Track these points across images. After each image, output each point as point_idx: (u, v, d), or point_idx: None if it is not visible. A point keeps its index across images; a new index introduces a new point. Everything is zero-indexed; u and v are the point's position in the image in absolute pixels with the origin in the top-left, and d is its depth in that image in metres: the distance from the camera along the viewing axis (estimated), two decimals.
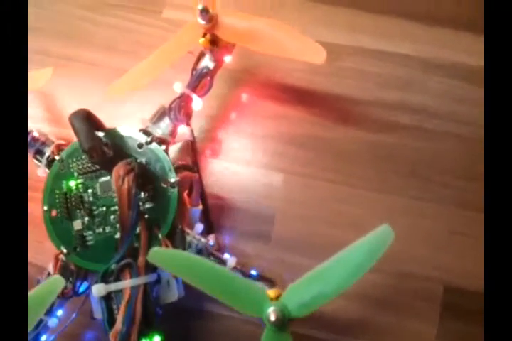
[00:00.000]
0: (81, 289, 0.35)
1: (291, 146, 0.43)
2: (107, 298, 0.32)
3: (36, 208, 0.37)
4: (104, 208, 0.35)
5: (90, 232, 0.35)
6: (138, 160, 0.35)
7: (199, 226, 0.36)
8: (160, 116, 0.38)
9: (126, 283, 0.32)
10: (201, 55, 0.39)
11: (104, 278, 0.33)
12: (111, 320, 0.32)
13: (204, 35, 0.37)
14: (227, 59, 0.40)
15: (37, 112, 0.46)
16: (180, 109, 0.37)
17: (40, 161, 0.38)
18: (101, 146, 0.34)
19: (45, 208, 0.36)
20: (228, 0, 0.47)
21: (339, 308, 0.39)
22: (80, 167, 0.36)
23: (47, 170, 0.38)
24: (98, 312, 0.34)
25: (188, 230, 0.35)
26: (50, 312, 0.34)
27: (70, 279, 0.35)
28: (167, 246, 0.33)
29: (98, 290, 0.32)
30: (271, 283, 0.34)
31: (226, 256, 0.35)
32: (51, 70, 0.41)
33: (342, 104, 0.44)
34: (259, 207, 0.42)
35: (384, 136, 0.43)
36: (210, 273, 0.30)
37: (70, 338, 0.39)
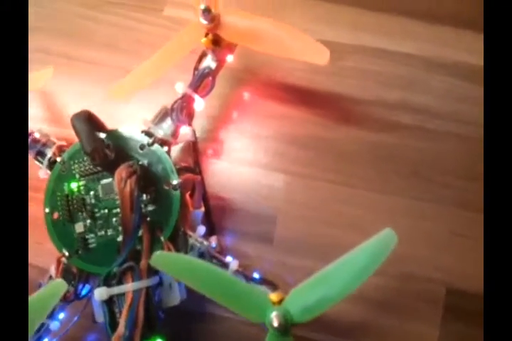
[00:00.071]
0: (83, 292, 0.35)
1: (293, 146, 0.43)
2: (109, 302, 0.32)
3: (37, 209, 0.36)
4: (106, 210, 0.35)
5: (92, 235, 0.35)
6: (140, 162, 0.35)
7: (201, 229, 0.35)
8: (162, 116, 0.37)
9: (129, 287, 0.32)
10: (203, 55, 0.39)
11: (106, 282, 0.32)
12: (113, 324, 0.32)
13: (206, 35, 0.36)
14: (230, 59, 0.40)
15: (37, 112, 0.46)
16: (182, 110, 0.37)
17: (41, 163, 0.38)
18: (103, 148, 0.34)
19: (47, 210, 0.36)
20: None
21: (341, 310, 0.39)
22: (82, 169, 0.36)
23: (48, 172, 0.37)
24: (100, 316, 0.33)
25: (190, 232, 0.35)
26: (51, 315, 0.34)
27: (72, 282, 0.35)
28: (169, 249, 0.33)
29: (100, 294, 0.32)
30: (273, 286, 0.33)
31: (228, 258, 0.35)
32: (51, 70, 0.40)
33: (343, 103, 0.44)
34: (260, 207, 0.42)
35: (385, 136, 0.43)
36: (213, 278, 0.30)
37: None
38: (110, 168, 0.34)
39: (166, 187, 0.35)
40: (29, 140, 0.38)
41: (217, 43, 0.37)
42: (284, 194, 0.42)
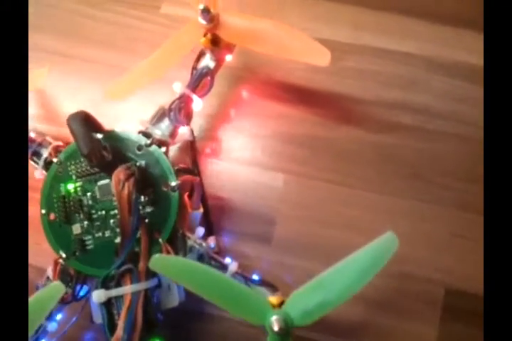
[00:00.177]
0: (81, 293, 0.35)
1: (292, 146, 0.43)
2: (108, 304, 0.32)
3: (34, 209, 0.36)
4: (104, 212, 0.35)
5: (90, 236, 0.35)
6: (138, 163, 0.35)
7: (200, 230, 0.35)
8: (160, 117, 0.37)
9: (127, 289, 0.32)
10: (201, 54, 0.38)
11: (105, 284, 0.32)
12: (111, 326, 0.32)
13: (205, 35, 0.36)
14: (228, 58, 0.39)
15: (32, 110, 0.45)
16: (180, 110, 0.37)
17: (37, 163, 0.37)
18: (100, 150, 0.33)
19: (43, 211, 0.36)
20: None
21: (340, 311, 0.38)
22: (79, 170, 0.36)
23: (44, 172, 0.37)
24: (98, 317, 0.33)
25: (189, 234, 0.34)
26: (49, 316, 0.34)
27: (70, 284, 0.34)
28: (168, 251, 0.33)
29: (98, 296, 0.32)
30: (273, 288, 0.33)
31: (227, 260, 0.34)
32: (46, 70, 0.40)
33: (343, 103, 0.44)
34: (259, 207, 0.41)
35: (385, 136, 0.42)
36: (212, 281, 0.30)
37: None
38: (107, 170, 0.34)
39: (165, 189, 0.34)
40: None
41: (216, 43, 0.36)
42: (283, 194, 0.42)
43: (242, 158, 0.43)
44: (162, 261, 0.30)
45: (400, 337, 0.38)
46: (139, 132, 0.36)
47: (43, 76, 0.40)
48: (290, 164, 0.42)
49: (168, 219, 0.34)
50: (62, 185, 0.36)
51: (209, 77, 0.38)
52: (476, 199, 0.40)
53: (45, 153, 0.37)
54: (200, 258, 0.34)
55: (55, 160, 0.36)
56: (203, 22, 0.35)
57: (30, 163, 0.38)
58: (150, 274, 0.32)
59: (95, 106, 0.43)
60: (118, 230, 0.34)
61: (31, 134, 0.38)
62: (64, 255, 0.34)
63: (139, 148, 0.35)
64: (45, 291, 0.31)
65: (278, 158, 0.42)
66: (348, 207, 0.41)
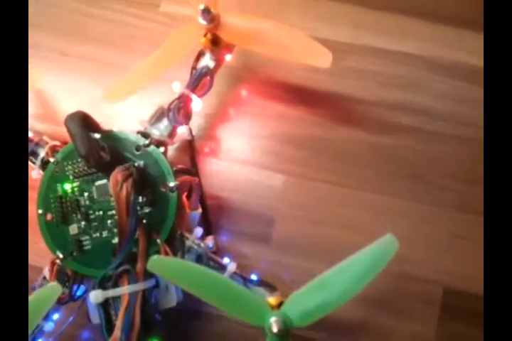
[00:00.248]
0: (78, 293, 0.35)
1: (291, 146, 0.42)
2: (105, 304, 0.32)
3: (30, 209, 0.36)
4: (101, 212, 0.35)
5: (87, 237, 0.34)
6: (136, 164, 0.34)
7: (198, 230, 0.35)
8: (158, 117, 0.37)
9: (125, 290, 0.31)
10: (201, 54, 0.38)
11: (102, 284, 0.32)
12: (109, 327, 0.32)
13: (205, 35, 0.36)
14: (228, 58, 0.39)
15: (30, 109, 0.44)
16: (179, 110, 0.36)
17: (34, 163, 0.37)
18: (98, 150, 0.33)
19: (40, 212, 0.35)
20: None
21: (338, 310, 0.37)
22: (76, 170, 0.35)
23: (41, 172, 0.37)
24: (95, 317, 0.33)
25: (187, 235, 0.34)
26: (46, 316, 0.34)
27: (67, 284, 0.34)
28: (166, 251, 0.33)
29: (96, 296, 0.31)
30: (271, 288, 0.33)
31: (226, 260, 0.34)
32: (41, 72, 0.39)
33: (343, 103, 0.43)
34: (257, 207, 0.41)
35: (385, 137, 0.42)
36: (210, 282, 0.30)
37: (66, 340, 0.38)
38: (105, 170, 0.33)
39: (163, 189, 0.34)
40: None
41: (216, 43, 0.36)
42: (282, 194, 0.41)
43: (241, 158, 0.42)
44: (160, 263, 0.30)
45: (398, 337, 0.38)
46: (138, 132, 0.36)
47: (39, 76, 0.39)
48: (289, 164, 0.42)
49: (166, 220, 0.34)
50: (59, 185, 0.35)
51: (208, 77, 0.37)
52: (476, 201, 0.40)
53: (42, 153, 0.37)
54: (199, 258, 0.33)
55: (52, 160, 0.36)
56: (204, 22, 0.34)
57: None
58: (148, 275, 0.32)
59: (93, 104, 0.43)
60: (115, 230, 0.34)
61: (29, 133, 0.38)
62: (61, 255, 0.34)
63: (138, 148, 0.35)
64: (42, 292, 0.31)
65: (277, 158, 0.42)
66: (346, 208, 0.41)
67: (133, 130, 0.36)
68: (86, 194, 0.35)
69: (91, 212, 0.35)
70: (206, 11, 0.33)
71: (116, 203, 0.31)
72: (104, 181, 0.35)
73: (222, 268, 0.33)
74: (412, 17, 0.45)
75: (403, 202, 0.41)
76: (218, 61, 0.37)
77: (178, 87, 0.36)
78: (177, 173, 0.35)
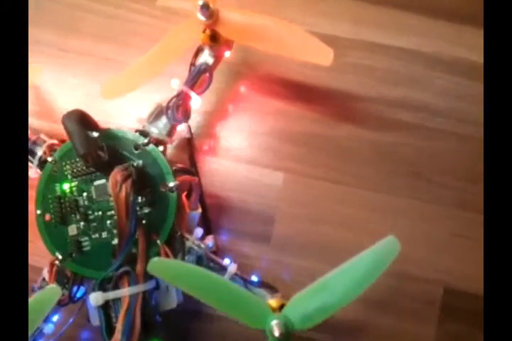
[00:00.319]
0: (78, 294, 0.34)
1: (291, 144, 0.42)
2: (105, 306, 0.32)
3: (29, 208, 0.35)
4: (100, 212, 0.34)
5: (86, 238, 0.34)
6: (135, 163, 0.34)
7: (199, 231, 0.35)
8: (157, 115, 0.36)
9: (125, 291, 0.31)
10: (199, 50, 0.37)
11: (102, 286, 0.32)
12: (109, 329, 0.31)
13: (204, 31, 0.35)
14: (227, 54, 0.38)
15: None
16: (178, 108, 0.36)
17: (31, 162, 0.36)
18: (96, 150, 0.32)
19: (38, 212, 0.35)
20: None
21: (339, 311, 0.38)
22: (74, 169, 0.35)
23: (39, 171, 0.36)
24: (95, 319, 0.33)
25: (187, 235, 0.34)
26: (45, 318, 0.33)
27: (66, 285, 0.34)
28: (166, 252, 0.33)
29: (96, 299, 0.31)
30: (272, 289, 0.33)
31: (226, 261, 0.34)
32: (40, 67, 0.39)
33: (343, 100, 0.43)
34: (257, 206, 0.41)
35: (385, 134, 0.42)
36: (211, 284, 0.30)
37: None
38: (104, 169, 0.33)
39: (162, 189, 0.34)
40: None
41: (215, 39, 0.35)
42: (283, 192, 0.41)
43: (240, 156, 0.42)
44: (160, 265, 0.30)
45: (398, 337, 0.38)
46: (136, 131, 0.35)
47: (39, 71, 0.39)
48: (288, 161, 0.42)
49: (166, 221, 0.33)
50: (58, 184, 0.35)
51: (207, 74, 0.37)
52: (476, 199, 0.40)
53: (39, 152, 0.36)
54: (199, 259, 0.33)
55: (49, 159, 0.35)
56: (202, 18, 0.34)
57: None
58: (148, 276, 0.32)
59: (90, 100, 0.42)
60: (115, 231, 0.33)
61: None
62: (60, 256, 0.34)
63: (136, 147, 0.35)
64: (41, 294, 0.31)
65: (276, 156, 0.42)
66: (345, 205, 0.41)
67: (131, 128, 0.36)
68: (85, 194, 0.35)
69: (90, 212, 0.34)
70: (205, 7, 0.33)
71: (115, 204, 0.31)
72: (102, 181, 0.34)
73: (222, 269, 0.33)
74: (412, 12, 0.44)
75: (402, 200, 0.40)
76: (217, 57, 0.37)
77: (176, 84, 0.36)
78: (176, 173, 0.34)
